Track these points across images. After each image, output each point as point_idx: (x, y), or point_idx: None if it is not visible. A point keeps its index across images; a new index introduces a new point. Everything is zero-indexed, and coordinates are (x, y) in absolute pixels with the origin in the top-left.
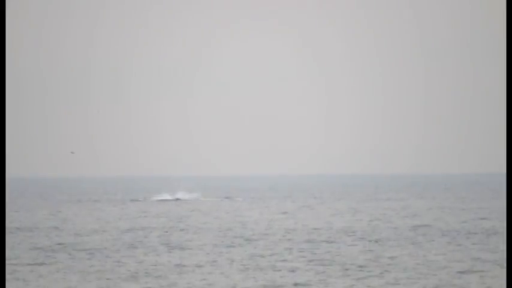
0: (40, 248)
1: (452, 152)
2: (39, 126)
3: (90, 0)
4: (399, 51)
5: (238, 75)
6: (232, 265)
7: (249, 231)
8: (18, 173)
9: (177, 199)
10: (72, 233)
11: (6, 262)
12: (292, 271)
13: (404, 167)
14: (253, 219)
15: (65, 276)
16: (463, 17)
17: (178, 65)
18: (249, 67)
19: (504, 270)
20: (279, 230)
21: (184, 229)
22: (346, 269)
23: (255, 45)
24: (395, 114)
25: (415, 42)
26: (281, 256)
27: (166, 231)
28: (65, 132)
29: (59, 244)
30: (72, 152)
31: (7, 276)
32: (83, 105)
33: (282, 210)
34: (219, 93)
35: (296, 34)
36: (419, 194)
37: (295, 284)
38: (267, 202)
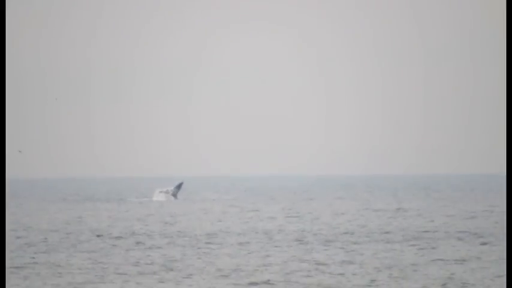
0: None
1: (452, 153)
2: (39, 127)
3: (90, 0)
4: (399, 51)
5: (238, 75)
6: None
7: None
8: (18, 174)
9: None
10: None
11: (7, 264)
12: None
13: (403, 168)
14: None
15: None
16: (463, 17)
17: (178, 65)
18: (248, 67)
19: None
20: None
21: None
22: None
23: (254, 45)
24: (394, 115)
25: (415, 42)
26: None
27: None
28: (65, 132)
29: (61, 242)
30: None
31: (7, 276)
32: (83, 106)
33: (290, 212)
34: (219, 93)
35: (296, 34)
36: (419, 195)
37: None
38: (273, 202)
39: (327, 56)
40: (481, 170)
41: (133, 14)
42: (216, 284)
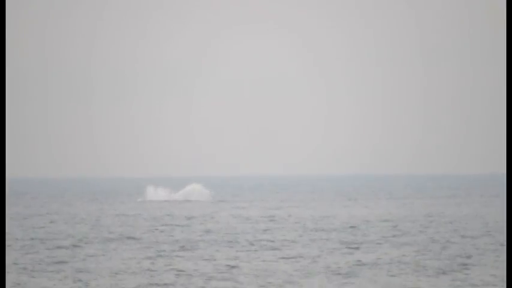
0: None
1: (451, 152)
2: (40, 127)
3: (92, 0)
4: (399, 51)
5: (238, 76)
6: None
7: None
8: (18, 174)
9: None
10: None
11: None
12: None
13: (403, 168)
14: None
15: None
16: (463, 17)
17: (179, 65)
18: (249, 68)
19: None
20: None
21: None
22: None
23: (255, 46)
24: (394, 114)
25: (415, 42)
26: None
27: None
28: (66, 132)
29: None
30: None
31: (7, 276)
32: (84, 106)
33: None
34: (220, 93)
35: (296, 34)
36: (418, 195)
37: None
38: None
39: (327, 56)
40: (481, 170)
41: (134, 14)
42: None
